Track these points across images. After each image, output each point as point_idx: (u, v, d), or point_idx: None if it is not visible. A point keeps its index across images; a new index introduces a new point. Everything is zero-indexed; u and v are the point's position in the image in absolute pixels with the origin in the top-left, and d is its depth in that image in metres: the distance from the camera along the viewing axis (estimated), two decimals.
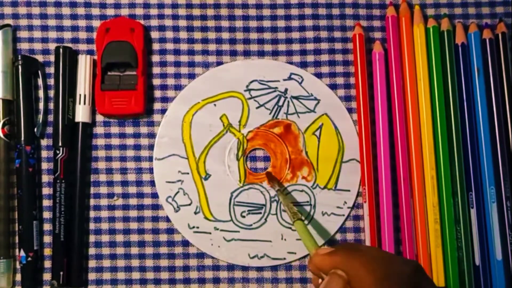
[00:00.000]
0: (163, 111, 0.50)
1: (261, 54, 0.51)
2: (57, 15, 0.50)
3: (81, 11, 0.50)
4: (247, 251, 0.49)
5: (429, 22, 0.50)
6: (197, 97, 0.50)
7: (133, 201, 0.49)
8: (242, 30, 0.51)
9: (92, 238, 0.49)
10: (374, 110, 0.49)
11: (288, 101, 0.50)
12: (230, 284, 0.49)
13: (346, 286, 0.33)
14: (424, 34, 0.49)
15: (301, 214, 0.46)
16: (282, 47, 0.51)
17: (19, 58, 0.48)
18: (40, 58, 0.50)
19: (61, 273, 0.47)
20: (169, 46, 0.50)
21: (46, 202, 0.49)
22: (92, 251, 0.49)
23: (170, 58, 0.50)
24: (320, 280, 0.38)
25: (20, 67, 0.48)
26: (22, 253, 0.47)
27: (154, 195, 0.49)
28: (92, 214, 0.49)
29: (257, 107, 0.50)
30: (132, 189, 0.49)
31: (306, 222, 0.49)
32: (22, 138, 0.47)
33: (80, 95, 0.48)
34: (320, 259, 0.35)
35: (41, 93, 0.49)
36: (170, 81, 0.50)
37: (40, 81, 0.49)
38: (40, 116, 0.49)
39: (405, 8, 0.50)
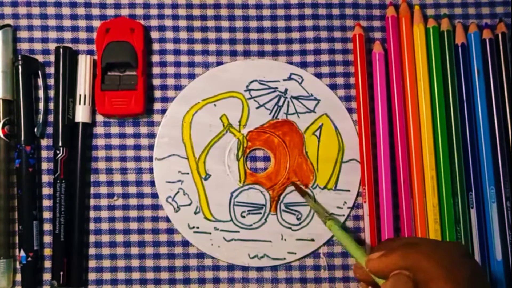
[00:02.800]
0: (163, 111, 0.50)
1: (261, 54, 0.51)
2: (57, 15, 0.50)
3: (81, 11, 0.50)
4: (247, 251, 0.49)
5: (429, 22, 0.50)
6: (197, 97, 0.50)
7: (133, 201, 0.49)
8: (242, 30, 0.51)
9: (92, 238, 0.49)
10: (374, 110, 0.49)
11: (288, 101, 0.50)
12: (230, 284, 0.49)
13: (413, 283, 0.32)
14: (424, 34, 0.49)
15: (332, 218, 0.46)
16: (282, 47, 0.51)
17: (19, 58, 0.48)
18: (40, 58, 0.50)
19: (61, 273, 0.47)
20: (169, 46, 0.51)
21: (46, 202, 0.49)
22: (92, 251, 0.49)
23: (170, 58, 0.50)
24: (369, 287, 0.37)
25: (20, 67, 0.48)
26: (22, 253, 0.47)
27: (154, 195, 0.49)
28: (92, 214, 0.49)
29: (257, 107, 0.50)
30: (132, 189, 0.49)
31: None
32: (22, 138, 0.47)
33: (80, 95, 0.48)
34: (378, 263, 0.35)
35: (41, 93, 0.49)
36: (170, 81, 0.50)
37: (40, 81, 0.49)
38: (40, 116, 0.49)
39: (405, 8, 0.50)
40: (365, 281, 0.37)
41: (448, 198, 0.47)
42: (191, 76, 0.50)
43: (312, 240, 0.49)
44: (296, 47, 0.51)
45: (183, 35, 0.51)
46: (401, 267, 0.33)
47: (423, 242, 0.38)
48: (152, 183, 0.49)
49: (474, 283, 0.33)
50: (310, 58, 0.51)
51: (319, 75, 0.51)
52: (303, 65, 0.51)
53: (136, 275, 0.49)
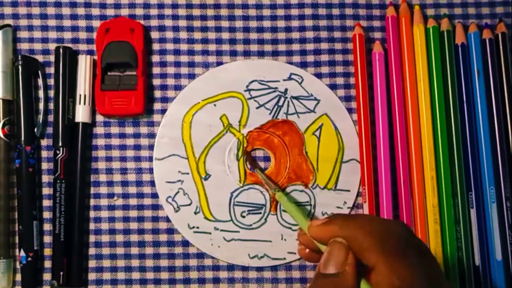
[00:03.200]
0: (163, 111, 0.50)
1: (261, 54, 0.51)
2: (57, 15, 0.50)
3: (81, 11, 0.50)
4: (247, 251, 0.49)
5: (429, 22, 0.50)
6: (197, 97, 0.50)
7: (133, 201, 0.49)
8: (242, 30, 0.51)
9: (92, 238, 0.49)
10: (374, 110, 0.49)
11: (288, 101, 0.50)
12: (230, 284, 0.49)
13: (348, 251, 0.34)
14: (424, 34, 0.49)
15: (280, 191, 0.47)
16: (282, 47, 0.51)
17: (19, 58, 0.48)
18: (40, 58, 0.50)
19: (61, 273, 0.47)
20: (169, 46, 0.51)
21: (46, 202, 0.49)
22: (92, 251, 0.49)
23: (170, 58, 0.50)
24: (307, 250, 0.39)
25: (20, 67, 0.48)
26: (22, 253, 0.47)
27: (154, 195, 0.49)
28: (92, 214, 0.49)
29: (257, 107, 0.50)
30: (132, 189, 0.49)
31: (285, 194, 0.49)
32: (22, 138, 0.47)
33: (80, 95, 0.48)
34: (318, 230, 0.37)
35: (41, 93, 0.49)
36: (170, 81, 0.50)
37: (40, 81, 0.49)
38: (40, 116, 0.49)
39: (405, 8, 0.50)
40: (307, 246, 0.39)
41: (448, 198, 0.47)
42: (191, 76, 0.50)
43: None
44: (296, 47, 0.51)
45: (183, 35, 0.51)
46: (339, 236, 0.35)
47: (361, 216, 0.42)
48: (152, 183, 0.49)
49: (409, 256, 0.34)
50: (310, 58, 0.51)
51: (319, 75, 0.51)
52: (303, 65, 0.51)
53: (136, 275, 0.49)
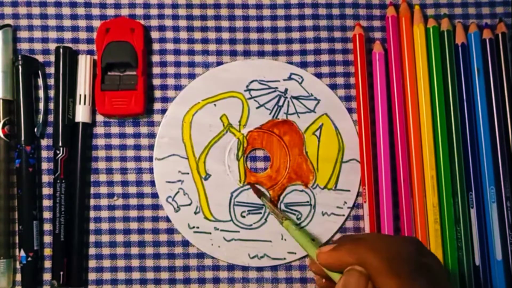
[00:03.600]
0: (163, 111, 0.50)
1: (261, 54, 0.51)
2: (57, 15, 0.50)
3: (81, 11, 0.50)
4: (247, 251, 0.49)
5: (429, 22, 0.50)
6: (197, 97, 0.50)
7: (133, 201, 0.49)
8: (242, 30, 0.51)
9: (92, 238, 0.49)
10: (374, 110, 0.49)
11: (288, 101, 0.50)
12: (230, 284, 0.49)
13: (368, 280, 0.33)
14: (424, 34, 0.49)
15: (288, 219, 0.46)
16: (282, 47, 0.51)
17: (19, 58, 0.48)
18: (40, 58, 0.50)
19: (61, 273, 0.47)
20: (169, 46, 0.51)
21: (46, 202, 0.49)
22: (92, 251, 0.49)
23: (170, 58, 0.50)
24: (324, 280, 0.38)
25: (20, 67, 0.48)
26: (22, 253, 0.47)
27: (154, 195, 0.49)
28: (92, 214, 0.49)
29: (257, 107, 0.50)
30: (132, 189, 0.49)
31: (298, 223, 0.48)
32: (22, 138, 0.47)
33: (80, 95, 0.48)
34: (327, 256, 0.35)
35: (41, 93, 0.49)
36: (170, 81, 0.50)
37: (40, 81, 0.49)
38: (40, 116, 0.49)
39: (405, 8, 0.50)
40: (320, 274, 0.37)
41: (448, 198, 0.47)
42: (191, 76, 0.50)
43: (312, 240, 0.49)
44: (296, 47, 0.51)
45: (183, 35, 0.51)
46: (349, 261, 0.34)
47: (370, 236, 0.38)
48: (152, 183, 0.49)
49: (422, 277, 0.33)
50: (310, 58, 0.51)
51: (319, 75, 0.51)
52: (303, 65, 0.51)
53: (136, 275, 0.49)
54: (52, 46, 0.50)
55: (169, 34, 0.51)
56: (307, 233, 0.41)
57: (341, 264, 0.34)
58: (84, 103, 0.48)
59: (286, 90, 0.50)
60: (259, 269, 0.49)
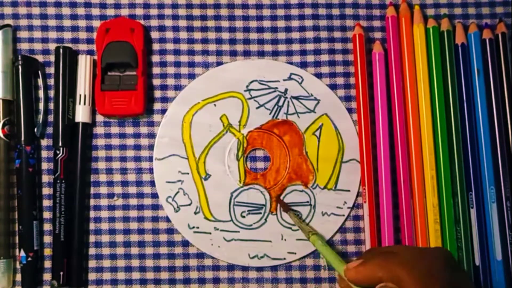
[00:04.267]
0: (163, 111, 0.50)
1: (261, 54, 0.51)
2: (57, 15, 0.50)
3: (81, 11, 0.50)
4: (247, 251, 0.49)
5: (429, 22, 0.50)
6: (197, 97, 0.50)
7: (133, 201, 0.49)
8: (242, 30, 0.51)
9: (92, 238, 0.49)
10: (374, 110, 0.49)
11: (288, 101, 0.50)
12: (230, 284, 0.49)
13: None
14: (424, 34, 0.49)
15: (315, 233, 0.46)
16: (282, 47, 0.51)
17: (19, 58, 0.48)
18: (40, 58, 0.50)
19: (61, 273, 0.47)
20: (169, 46, 0.50)
21: (46, 202, 0.49)
22: (92, 251, 0.49)
23: (170, 58, 0.50)
24: None
25: (20, 67, 0.48)
26: (22, 253, 0.47)
27: (154, 195, 0.49)
28: (92, 214, 0.49)
29: (257, 107, 0.50)
30: (132, 189, 0.49)
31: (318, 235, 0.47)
32: (22, 138, 0.47)
33: (80, 95, 0.48)
34: (356, 272, 0.35)
35: (41, 93, 0.49)
36: (170, 81, 0.50)
37: (40, 81, 0.49)
38: (40, 116, 0.49)
39: (405, 8, 0.50)
40: None
41: (448, 198, 0.47)
42: (191, 76, 0.50)
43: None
44: (296, 47, 0.51)
45: (183, 35, 0.51)
46: (379, 277, 0.33)
47: (402, 251, 0.37)
48: (152, 183, 0.49)
49: None
50: (310, 58, 0.51)
51: (319, 75, 0.51)
52: (303, 65, 0.51)
53: (136, 275, 0.49)
54: (52, 46, 0.50)
55: (169, 34, 0.51)
56: (333, 249, 0.40)
57: (371, 280, 0.34)
58: (84, 103, 0.48)
59: (286, 90, 0.50)
60: (259, 269, 0.49)
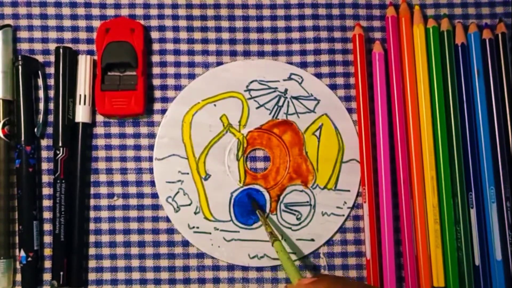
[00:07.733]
0: (163, 111, 0.50)
1: (261, 54, 0.51)
2: (57, 15, 0.50)
3: (81, 11, 0.50)
4: (247, 251, 0.49)
5: (429, 22, 0.50)
6: (197, 97, 0.50)
7: (133, 201, 0.49)
8: (242, 30, 0.51)
9: (92, 238, 0.49)
10: (374, 110, 0.49)
11: (288, 101, 0.50)
12: (230, 284, 0.49)
13: None
14: (424, 34, 0.49)
15: (279, 237, 0.46)
16: (282, 47, 0.51)
17: (19, 58, 0.48)
18: (40, 58, 0.50)
19: (61, 273, 0.47)
20: (169, 46, 0.51)
21: (46, 202, 0.49)
22: (92, 251, 0.49)
23: (170, 58, 0.50)
24: None
25: (20, 67, 0.48)
26: (22, 253, 0.47)
27: (154, 195, 0.49)
28: (92, 214, 0.49)
29: (257, 107, 0.50)
30: (132, 189, 0.49)
31: (283, 241, 0.47)
32: (22, 138, 0.47)
33: (80, 95, 0.48)
34: None
35: (41, 93, 0.49)
36: (170, 81, 0.50)
37: (40, 81, 0.49)
38: (40, 116, 0.49)
39: (405, 9, 0.50)
40: None
41: (448, 198, 0.47)
42: (191, 76, 0.50)
43: (312, 240, 0.49)
44: (296, 47, 0.51)
45: (183, 35, 0.51)
46: None
47: (352, 281, 0.43)
48: (152, 183, 0.49)
49: None
50: (310, 58, 0.51)
51: (319, 75, 0.51)
52: (303, 65, 0.51)
53: (136, 275, 0.49)
54: (52, 46, 0.50)
55: (169, 34, 0.51)
56: (292, 261, 0.42)
57: None
58: (84, 103, 0.48)
59: (286, 90, 0.50)
60: (259, 269, 0.49)
